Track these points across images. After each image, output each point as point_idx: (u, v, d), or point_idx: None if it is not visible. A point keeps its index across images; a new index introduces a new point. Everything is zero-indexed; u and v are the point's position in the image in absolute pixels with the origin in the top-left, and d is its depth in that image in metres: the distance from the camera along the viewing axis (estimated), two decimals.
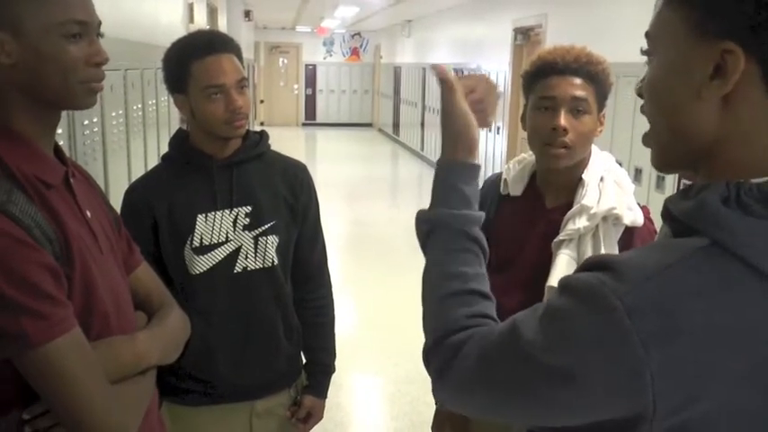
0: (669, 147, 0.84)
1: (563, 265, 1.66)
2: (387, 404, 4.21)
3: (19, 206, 1.08)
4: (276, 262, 1.95)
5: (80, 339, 1.13)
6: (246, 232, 1.90)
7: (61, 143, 1.29)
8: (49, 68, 1.16)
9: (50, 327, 1.07)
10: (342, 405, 4.06)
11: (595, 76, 1.69)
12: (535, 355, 0.78)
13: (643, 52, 0.86)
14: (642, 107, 0.87)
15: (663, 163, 0.86)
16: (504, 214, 1.88)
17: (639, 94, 0.88)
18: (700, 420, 0.71)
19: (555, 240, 1.70)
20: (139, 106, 3.91)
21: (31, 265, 1.06)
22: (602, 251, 1.65)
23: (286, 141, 17.32)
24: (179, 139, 1.94)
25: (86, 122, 2.90)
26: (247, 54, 14.18)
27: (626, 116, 4.44)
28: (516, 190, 1.85)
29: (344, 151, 16.23)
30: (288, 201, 1.97)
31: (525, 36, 8.80)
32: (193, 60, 1.78)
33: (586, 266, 0.81)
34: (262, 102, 19.65)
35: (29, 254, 1.06)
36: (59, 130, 1.81)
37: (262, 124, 19.78)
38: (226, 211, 1.88)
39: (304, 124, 21.02)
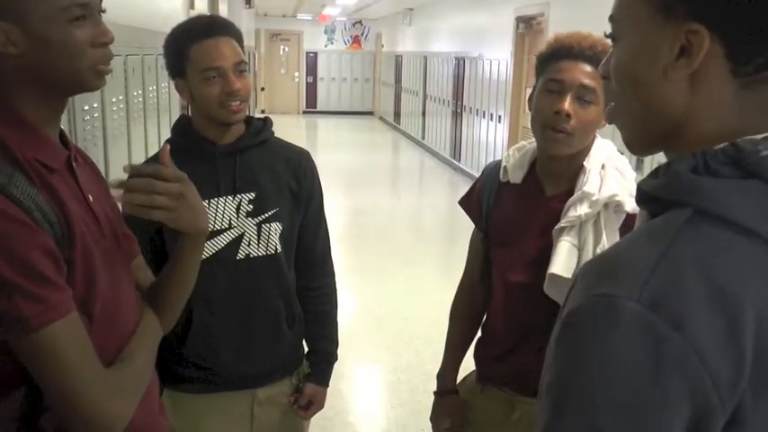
0: (639, 126, 0.86)
1: (564, 253, 1.65)
2: (387, 392, 4.21)
3: (20, 188, 1.07)
4: (279, 249, 1.93)
5: (77, 324, 1.12)
6: (250, 219, 1.89)
7: (62, 128, 1.28)
8: (56, 55, 1.14)
9: (48, 310, 1.07)
10: (342, 393, 4.06)
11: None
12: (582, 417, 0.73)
13: (607, 35, 0.88)
14: (606, 89, 0.90)
15: (634, 143, 0.88)
16: (503, 201, 1.87)
17: (604, 76, 0.90)
18: (752, 391, 0.71)
19: (556, 227, 1.69)
20: (140, 92, 3.90)
21: (30, 248, 1.05)
22: (604, 238, 1.64)
23: (287, 129, 17.28)
24: (182, 125, 1.93)
25: (86, 108, 2.89)
26: (248, 41, 14.14)
27: None
28: (516, 177, 1.84)
29: (345, 140, 16.22)
30: (291, 188, 1.95)
31: (527, 25, 8.77)
32: (192, 44, 1.78)
33: (582, 292, 0.77)
34: (262, 89, 19.61)
35: (29, 236, 1.06)
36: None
37: (263, 112, 19.75)
38: (229, 197, 1.87)
39: (305, 112, 21.00)
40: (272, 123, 2.01)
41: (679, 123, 0.81)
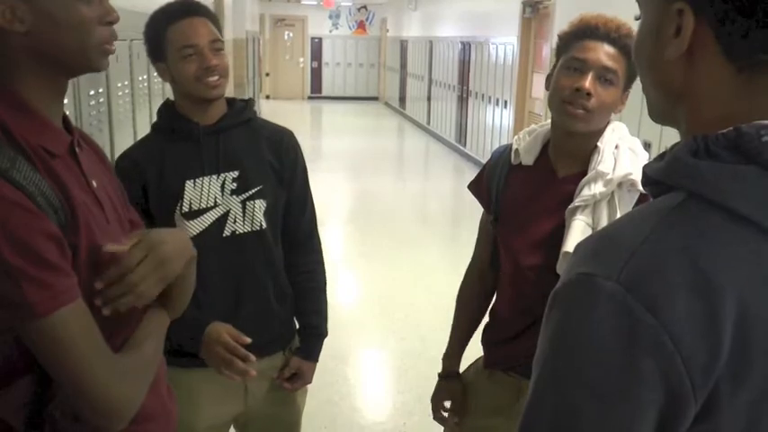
0: (653, 100, 0.88)
1: (578, 231, 1.65)
2: (392, 377, 4.22)
3: (23, 173, 1.06)
4: (264, 225, 1.98)
5: (83, 310, 1.11)
6: (234, 197, 1.94)
7: (67, 113, 1.27)
8: (63, 32, 1.13)
9: (54, 297, 1.06)
10: (348, 378, 4.07)
11: (631, 51, 1.66)
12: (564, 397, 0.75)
13: (636, 18, 0.89)
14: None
15: (652, 113, 0.90)
16: (515, 184, 1.87)
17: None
18: (730, 379, 0.71)
19: (569, 207, 1.69)
20: (145, 77, 3.90)
21: (35, 234, 1.04)
22: (618, 217, 1.64)
23: (291, 114, 17.27)
24: (167, 108, 1.99)
25: (92, 93, 2.89)
26: (252, 27, 14.10)
27: (636, 89, 4.39)
28: (528, 159, 1.84)
29: (350, 125, 16.19)
30: (274, 166, 2.00)
31: (534, 9, 8.72)
32: (169, 25, 1.87)
33: (568, 271, 0.79)
34: (267, 75, 19.57)
35: (33, 222, 1.05)
36: (65, 101, 1.82)
37: (267, 97, 19.72)
38: (213, 176, 1.92)
39: (310, 97, 20.96)
40: (254, 104, 2.07)
41: (681, 102, 0.82)
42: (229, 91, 9.15)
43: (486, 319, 2.06)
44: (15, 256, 1.02)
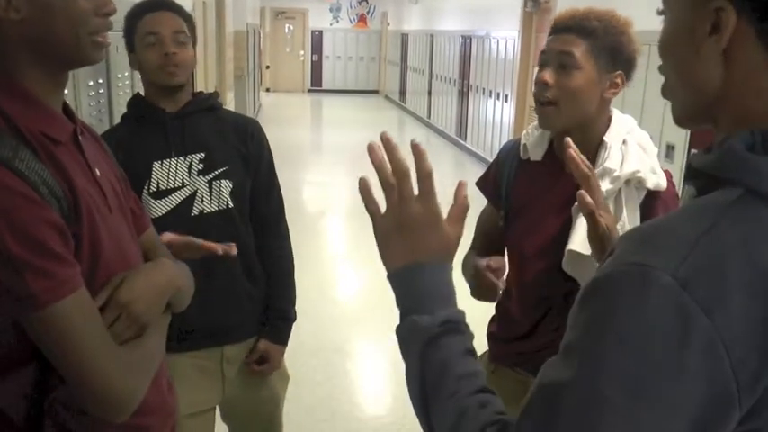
0: (684, 101, 0.86)
1: (583, 229, 1.61)
2: (392, 371, 4.20)
3: (25, 162, 1.06)
4: (231, 205, 2.06)
5: (87, 299, 1.11)
6: (201, 177, 2.02)
7: (66, 102, 1.26)
8: (58, 21, 1.12)
9: (57, 286, 1.05)
10: (348, 373, 4.05)
11: (591, 31, 1.65)
12: (586, 388, 0.72)
13: (658, 12, 0.88)
14: (659, 66, 0.88)
15: (681, 116, 0.88)
16: (523, 180, 1.85)
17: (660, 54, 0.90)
18: None
19: (576, 204, 1.67)
20: None
21: (37, 223, 1.04)
22: (624, 215, 1.62)
23: (291, 107, 17.25)
24: (135, 100, 2.09)
25: (91, 83, 2.87)
26: (253, 20, 14.07)
27: (657, 89, 4.35)
28: (536, 155, 1.82)
29: (350, 118, 16.15)
30: (240, 150, 2.08)
31: (535, 3, 8.70)
32: (139, 19, 1.97)
33: (617, 257, 0.76)
34: (267, 68, 19.54)
35: (36, 211, 1.04)
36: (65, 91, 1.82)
37: (267, 90, 19.70)
38: (180, 158, 2.01)
39: (310, 90, 20.95)
40: (218, 95, 2.17)
41: (718, 100, 0.80)
42: (229, 83, 9.05)
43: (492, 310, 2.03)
44: (18, 247, 1.01)
